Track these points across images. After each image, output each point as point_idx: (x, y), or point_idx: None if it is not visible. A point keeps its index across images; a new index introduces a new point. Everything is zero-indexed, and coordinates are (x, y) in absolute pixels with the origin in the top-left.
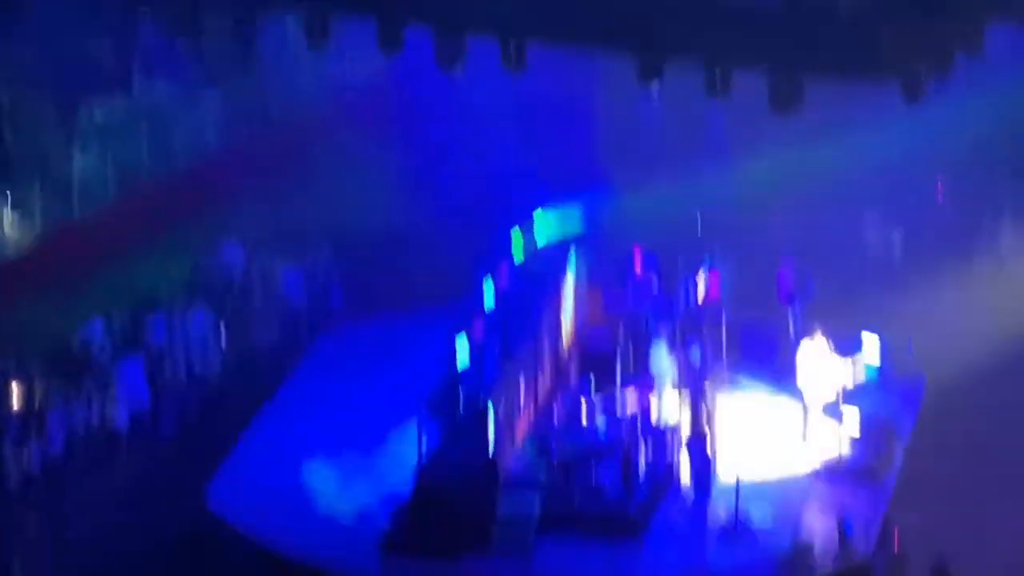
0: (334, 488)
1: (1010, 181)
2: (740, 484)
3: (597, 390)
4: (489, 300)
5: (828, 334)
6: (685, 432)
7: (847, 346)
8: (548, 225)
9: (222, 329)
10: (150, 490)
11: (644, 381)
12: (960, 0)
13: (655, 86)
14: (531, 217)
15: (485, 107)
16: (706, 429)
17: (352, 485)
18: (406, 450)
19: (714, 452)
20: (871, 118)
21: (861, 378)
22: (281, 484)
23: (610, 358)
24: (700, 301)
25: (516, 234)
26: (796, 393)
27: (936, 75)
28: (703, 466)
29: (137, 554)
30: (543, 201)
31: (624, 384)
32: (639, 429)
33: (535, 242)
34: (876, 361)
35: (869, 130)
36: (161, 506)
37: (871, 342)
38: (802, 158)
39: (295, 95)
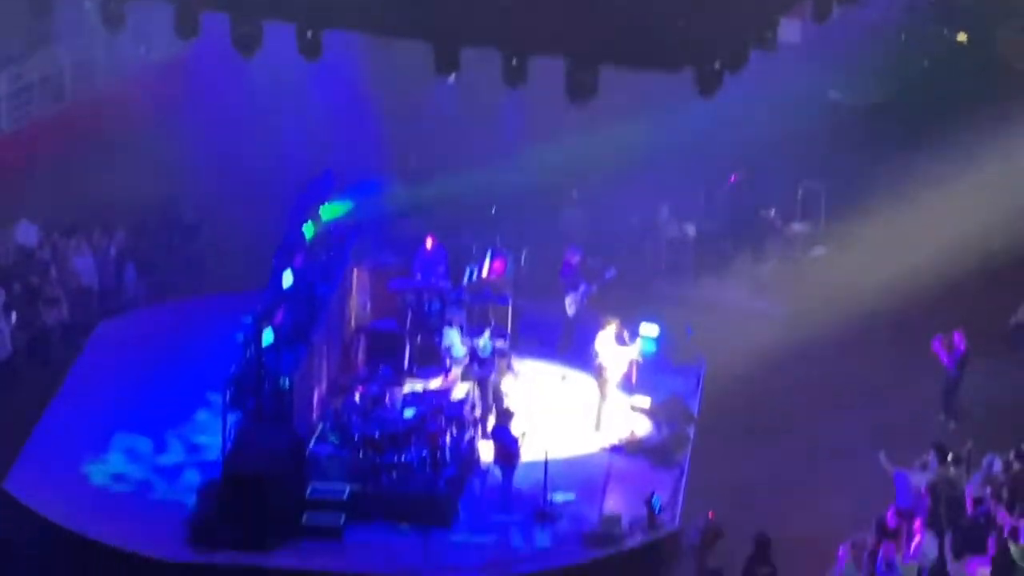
0: (137, 471)
1: (800, 175)
2: (547, 463)
3: (392, 371)
4: (285, 282)
5: (619, 320)
6: (483, 413)
7: (634, 332)
8: (338, 210)
9: (12, 309)
10: None
11: (439, 363)
12: None
13: (451, 77)
14: (323, 201)
15: (281, 91)
16: (507, 409)
17: (154, 468)
18: (206, 431)
19: (516, 432)
20: (666, 108)
21: (644, 361)
22: (82, 468)
23: (400, 340)
24: (486, 284)
25: (309, 223)
26: (585, 373)
27: (729, 66)
28: (508, 446)
29: None
30: (335, 185)
31: (418, 366)
32: (440, 410)
33: (325, 227)
34: (655, 347)
35: (664, 120)
36: None
37: (652, 329)
38: (597, 147)
39: (91, 72)
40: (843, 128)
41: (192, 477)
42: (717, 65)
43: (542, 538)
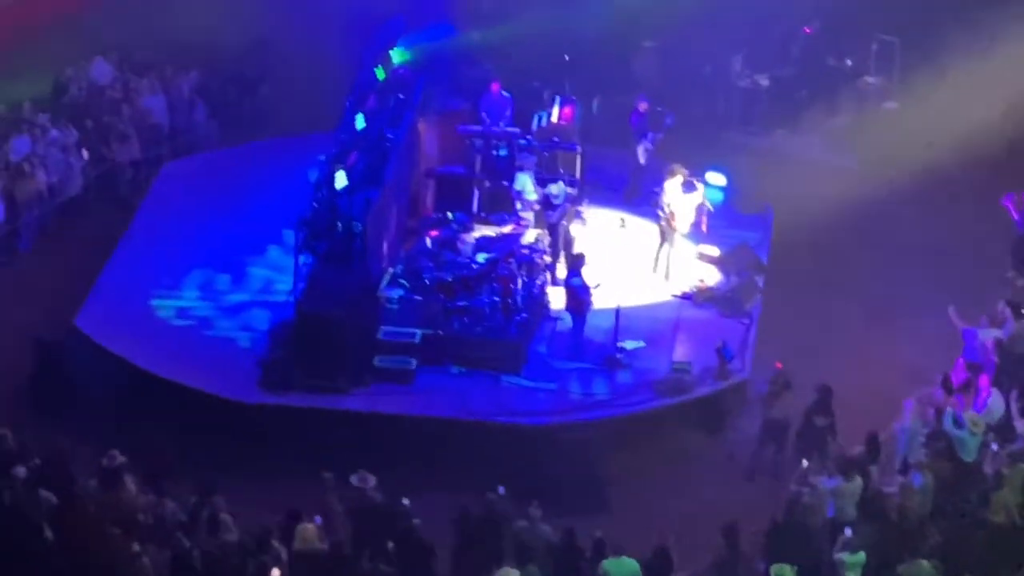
0: (206, 309)
1: (874, 28)
2: (618, 310)
3: (462, 215)
4: (358, 125)
5: (687, 168)
6: (553, 259)
7: (701, 179)
8: (408, 54)
9: (84, 146)
10: (8, 302)
11: (508, 208)
12: None
13: None
14: (393, 45)
15: None
16: (578, 256)
17: (222, 307)
18: (274, 272)
19: (588, 281)
20: None
21: (712, 210)
22: (152, 306)
23: (468, 185)
24: (555, 131)
25: (379, 67)
26: (652, 222)
27: None
28: (580, 293)
29: None
30: (406, 29)
31: (487, 211)
32: (512, 255)
33: (395, 70)
34: (722, 195)
35: None
36: (21, 318)
37: (718, 178)
38: None
39: None
40: None
41: (261, 317)
42: None
43: (612, 385)
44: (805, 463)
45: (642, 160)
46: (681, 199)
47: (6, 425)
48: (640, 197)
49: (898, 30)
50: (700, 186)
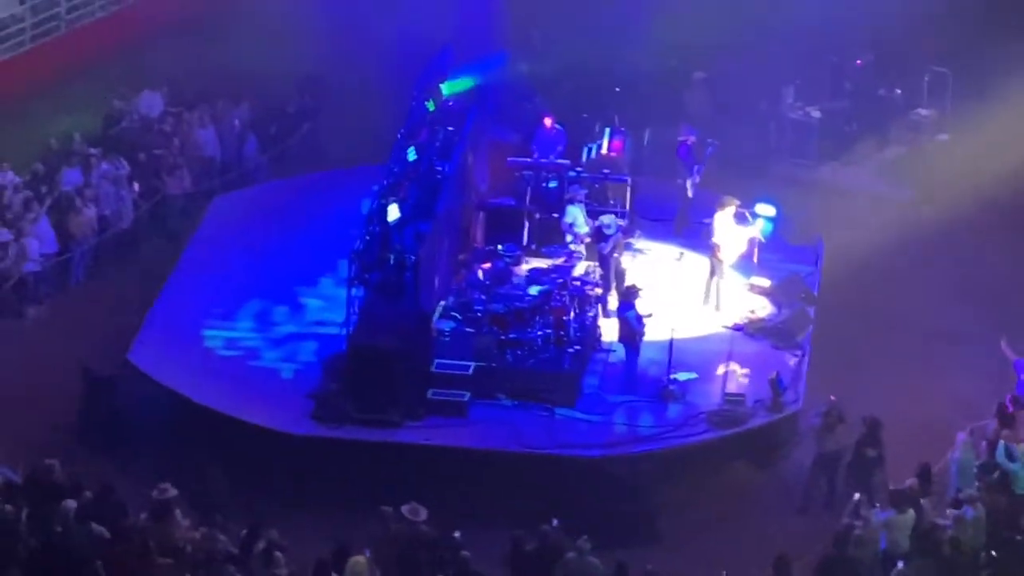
0: (258, 342)
1: (926, 60)
2: (672, 342)
3: (513, 247)
4: (410, 158)
5: (738, 200)
6: (604, 291)
7: (752, 211)
8: (458, 86)
9: (135, 179)
10: (60, 334)
11: (558, 241)
12: None
13: None
14: (444, 77)
15: None
16: (631, 288)
17: (274, 340)
18: (325, 305)
19: (641, 312)
20: None
21: (764, 241)
22: (204, 339)
23: (519, 217)
24: (605, 162)
25: (430, 99)
26: (702, 254)
27: None
28: (633, 325)
29: (49, 396)
30: (456, 61)
31: (538, 243)
32: (565, 287)
33: (446, 103)
34: (772, 226)
35: (790, 1)
36: (72, 350)
37: (768, 209)
38: (722, 27)
39: None
40: (971, 13)
41: (313, 350)
42: None
43: (665, 417)
44: (857, 496)
45: (690, 193)
46: (732, 230)
47: (57, 457)
48: (689, 228)
49: (950, 61)
50: (751, 217)
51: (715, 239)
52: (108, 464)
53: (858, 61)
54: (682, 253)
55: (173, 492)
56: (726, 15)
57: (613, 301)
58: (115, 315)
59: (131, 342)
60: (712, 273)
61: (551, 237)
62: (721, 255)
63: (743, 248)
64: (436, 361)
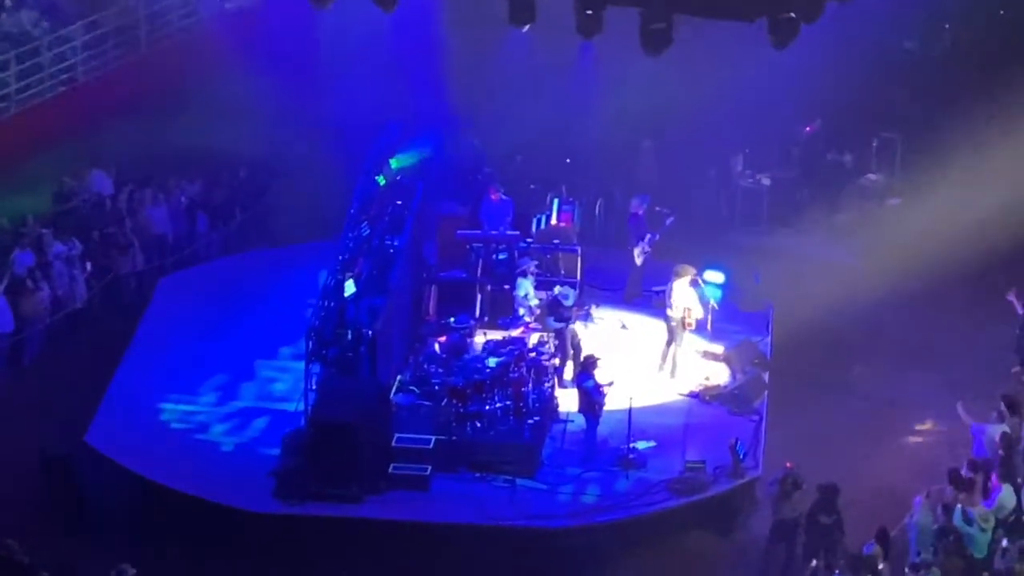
0: (214, 421)
1: (875, 126)
2: (631, 411)
3: (466, 319)
4: (362, 233)
5: (693, 268)
6: (561, 361)
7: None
8: (407, 161)
9: (87, 258)
10: (16, 413)
11: (510, 312)
12: None
13: (525, 27)
14: (393, 152)
15: (352, 39)
16: (590, 358)
17: (230, 418)
18: (279, 381)
19: (601, 381)
20: (740, 58)
21: (715, 308)
22: (161, 418)
23: (470, 290)
24: (554, 233)
25: (380, 174)
26: (655, 320)
27: (804, 17)
28: (592, 394)
29: (6, 475)
30: (403, 136)
31: (490, 315)
32: (522, 359)
33: (394, 177)
34: (721, 293)
35: (738, 71)
36: (29, 429)
37: (716, 276)
38: (670, 97)
39: (166, 22)
40: (918, 78)
41: (271, 426)
42: (792, 15)
43: (626, 486)
44: (814, 562)
45: (639, 262)
46: (691, 297)
47: (15, 537)
48: (639, 298)
49: (899, 126)
50: (703, 283)
51: (683, 306)
52: (67, 544)
53: (807, 128)
54: (623, 324)
55: (132, 572)
56: (675, 85)
57: (569, 371)
58: (70, 393)
59: (87, 421)
60: (670, 340)
61: (503, 309)
62: (690, 320)
63: (701, 315)
64: (396, 435)
